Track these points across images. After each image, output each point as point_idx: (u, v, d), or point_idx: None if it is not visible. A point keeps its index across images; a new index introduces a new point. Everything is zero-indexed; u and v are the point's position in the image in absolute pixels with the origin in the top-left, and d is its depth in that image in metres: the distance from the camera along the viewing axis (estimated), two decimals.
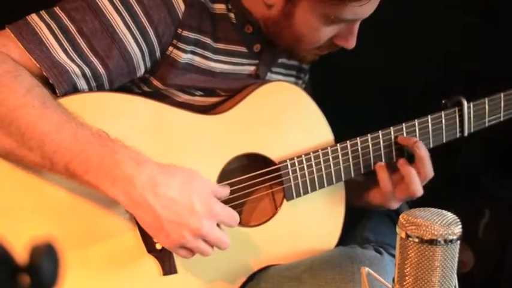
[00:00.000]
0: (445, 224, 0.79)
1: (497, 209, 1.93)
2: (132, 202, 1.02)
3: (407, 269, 0.81)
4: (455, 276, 0.83)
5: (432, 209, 0.84)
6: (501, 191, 1.95)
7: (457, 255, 0.81)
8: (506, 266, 1.87)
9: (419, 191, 1.30)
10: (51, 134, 1.00)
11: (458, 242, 0.80)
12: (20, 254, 0.40)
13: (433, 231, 0.78)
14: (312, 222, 1.33)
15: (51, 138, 1.00)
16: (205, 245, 1.08)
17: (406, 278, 0.81)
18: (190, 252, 1.09)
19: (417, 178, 1.29)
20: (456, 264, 0.82)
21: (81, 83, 1.12)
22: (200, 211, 1.05)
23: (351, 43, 1.25)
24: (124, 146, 1.04)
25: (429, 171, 1.31)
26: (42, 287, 0.37)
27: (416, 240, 0.79)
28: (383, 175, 1.32)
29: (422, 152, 1.30)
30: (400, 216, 0.83)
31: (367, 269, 0.91)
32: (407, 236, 0.80)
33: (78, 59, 1.11)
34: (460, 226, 0.80)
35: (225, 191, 1.15)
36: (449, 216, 0.82)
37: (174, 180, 1.04)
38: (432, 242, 0.78)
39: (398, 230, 0.82)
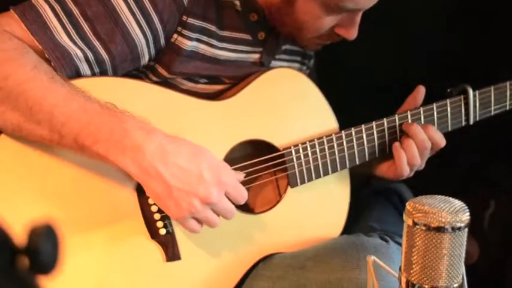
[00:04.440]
0: (453, 211, 0.79)
1: (503, 200, 1.91)
2: (142, 171, 1.01)
3: (415, 257, 0.80)
4: (463, 265, 0.82)
5: (439, 196, 0.83)
6: (507, 182, 1.94)
7: (465, 243, 0.80)
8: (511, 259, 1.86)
9: (416, 159, 1.30)
10: (59, 106, 1.00)
11: (466, 229, 0.79)
12: (19, 235, 0.39)
13: (440, 219, 0.77)
14: (317, 209, 1.32)
15: (59, 110, 1.00)
16: (213, 214, 1.09)
17: (413, 266, 0.80)
18: (199, 224, 1.09)
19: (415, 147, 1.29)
20: (464, 253, 0.81)
21: (84, 68, 1.11)
22: (209, 179, 1.05)
23: (352, 33, 1.25)
24: (132, 116, 1.04)
25: (423, 139, 1.29)
26: (42, 269, 0.36)
27: (424, 227, 0.78)
28: (399, 153, 1.31)
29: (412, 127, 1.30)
30: (407, 204, 0.82)
31: (373, 257, 0.90)
32: (414, 224, 0.79)
33: (80, 43, 1.10)
34: (468, 213, 0.79)
35: (239, 175, 1.15)
36: (457, 203, 0.81)
37: (183, 149, 1.05)
38: (439, 229, 0.77)
39: (405, 217, 0.81)
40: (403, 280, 0.82)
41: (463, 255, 0.80)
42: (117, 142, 1.00)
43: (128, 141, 1.00)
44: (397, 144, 1.31)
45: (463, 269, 0.82)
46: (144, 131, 1.02)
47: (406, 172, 1.31)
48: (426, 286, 0.80)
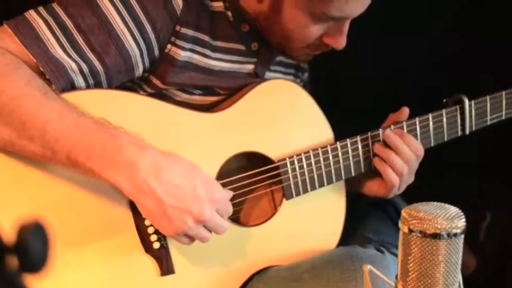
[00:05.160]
0: (448, 217, 0.78)
1: (499, 212, 1.91)
2: (135, 188, 1.00)
3: (411, 265, 0.79)
4: (460, 272, 0.81)
5: (435, 203, 0.82)
6: (503, 194, 1.94)
7: (461, 249, 0.80)
8: (508, 270, 1.85)
9: (403, 167, 1.28)
10: (52, 122, 0.99)
11: (462, 236, 0.79)
12: (8, 234, 0.38)
13: (436, 225, 0.77)
14: (313, 221, 1.31)
15: (52, 126, 0.99)
16: (205, 231, 1.08)
17: (410, 273, 0.80)
18: (191, 239, 1.09)
19: (398, 158, 1.28)
20: (460, 260, 0.80)
21: (79, 80, 1.11)
22: (203, 196, 1.04)
23: (340, 43, 1.24)
24: (126, 133, 1.03)
25: (407, 152, 1.29)
26: (32, 267, 0.35)
27: (420, 234, 0.78)
28: (384, 168, 1.30)
29: (391, 138, 1.29)
30: (402, 211, 0.82)
31: (369, 266, 0.89)
32: (410, 231, 0.79)
33: (75, 55, 1.10)
34: (464, 220, 0.79)
35: (228, 193, 1.14)
36: (453, 209, 0.80)
37: (177, 166, 1.04)
38: (435, 236, 0.77)
39: (400, 224, 0.81)
40: None
41: (460, 262, 0.80)
42: (111, 159, 1.00)
43: (121, 158, 1.00)
44: (376, 159, 1.31)
45: (459, 277, 0.81)
46: (137, 147, 1.02)
47: (396, 181, 1.29)
48: None
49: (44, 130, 0.99)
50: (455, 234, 0.77)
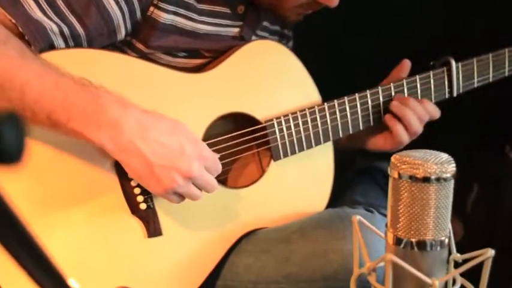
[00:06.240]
0: (438, 162, 0.77)
1: (486, 184, 1.91)
2: (120, 148, 0.99)
3: (401, 211, 0.78)
4: (449, 219, 0.80)
5: (425, 150, 0.81)
6: (490, 166, 1.94)
7: (451, 195, 0.78)
8: (494, 241, 1.86)
9: (416, 125, 1.31)
10: (31, 83, 0.96)
11: (452, 181, 0.78)
12: None
13: (426, 169, 0.76)
14: (301, 183, 1.31)
15: (31, 88, 0.96)
16: (195, 188, 1.07)
17: (400, 220, 0.79)
18: (181, 197, 1.08)
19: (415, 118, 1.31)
20: (450, 206, 0.79)
21: (59, 42, 1.08)
22: (190, 154, 1.03)
23: (334, 1, 1.23)
24: (108, 92, 1.01)
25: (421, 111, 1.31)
26: (5, 158, 0.34)
27: (409, 179, 0.76)
28: (393, 123, 1.31)
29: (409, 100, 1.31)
30: (392, 157, 0.80)
31: (358, 216, 0.87)
32: (400, 176, 0.77)
33: (55, 17, 1.07)
34: (454, 165, 0.78)
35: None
36: (443, 155, 0.79)
37: (162, 124, 1.02)
38: (425, 180, 0.76)
39: (390, 171, 0.79)
40: (390, 236, 0.80)
41: (450, 208, 0.79)
42: (93, 118, 0.98)
43: (104, 118, 0.98)
44: (388, 115, 1.31)
45: (449, 224, 0.80)
46: (120, 106, 1.00)
47: (406, 140, 1.31)
48: (413, 240, 0.78)
49: (23, 91, 0.96)
50: (445, 179, 0.76)
